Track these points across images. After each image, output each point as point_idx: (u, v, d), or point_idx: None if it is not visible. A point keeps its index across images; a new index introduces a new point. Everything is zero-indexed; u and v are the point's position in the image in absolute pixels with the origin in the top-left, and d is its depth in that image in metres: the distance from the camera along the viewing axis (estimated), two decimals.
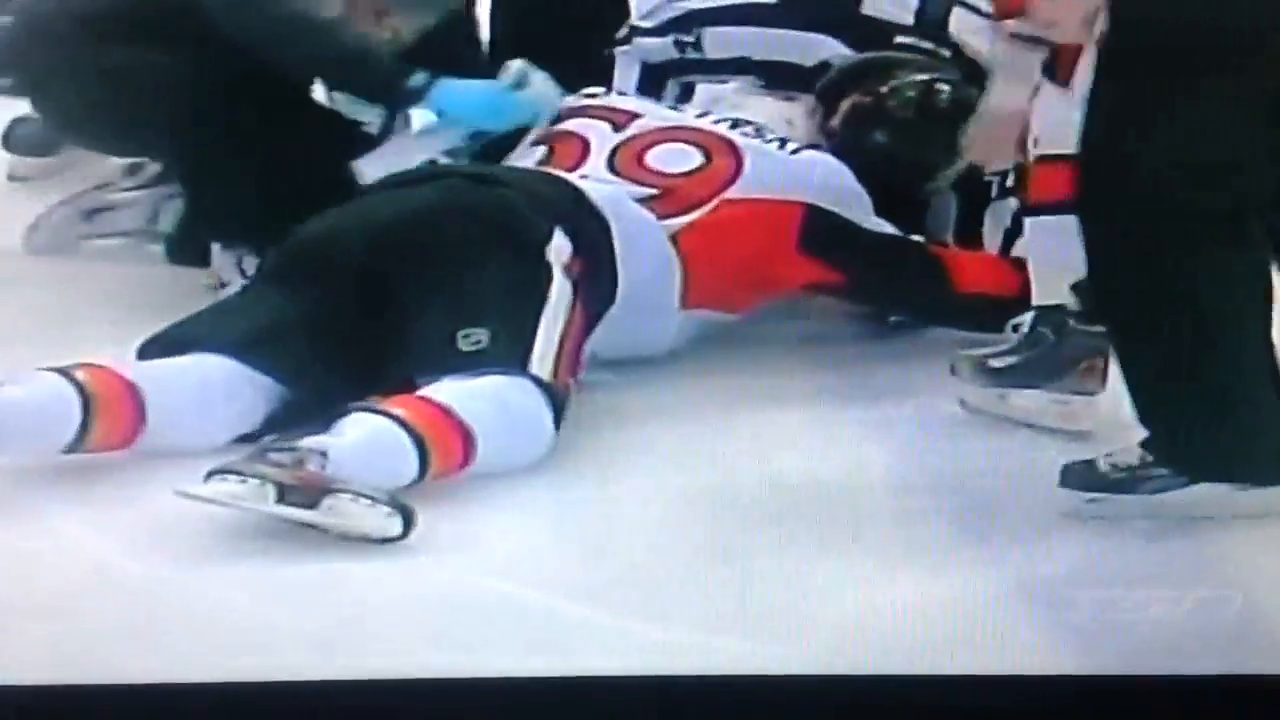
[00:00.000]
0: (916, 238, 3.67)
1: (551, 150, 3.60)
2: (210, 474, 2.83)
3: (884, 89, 3.70)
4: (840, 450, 3.22)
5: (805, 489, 3.07)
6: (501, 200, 3.34)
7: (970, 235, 3.75)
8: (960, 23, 3.76)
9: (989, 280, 3.58)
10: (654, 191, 3.47)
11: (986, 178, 3.73)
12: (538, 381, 3.09)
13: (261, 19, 3.59)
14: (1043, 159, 3.27)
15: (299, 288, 3.22)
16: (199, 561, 2.81)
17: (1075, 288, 3.26)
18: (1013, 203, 3.68)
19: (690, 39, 3.86)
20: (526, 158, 3.59)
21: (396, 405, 2.99)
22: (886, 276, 3.58)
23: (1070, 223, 3.23)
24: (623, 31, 4.04)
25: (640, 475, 3.12)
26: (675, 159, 3.53)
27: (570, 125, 3.65)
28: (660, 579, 2.80)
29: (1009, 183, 3.70)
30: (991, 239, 3.71)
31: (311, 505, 2.79)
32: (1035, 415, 3.30)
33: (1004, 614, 2.70)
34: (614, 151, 3.55)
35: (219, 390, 3.09)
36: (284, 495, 2.80)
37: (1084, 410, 3.28)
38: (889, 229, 3.59)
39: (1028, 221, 3.34)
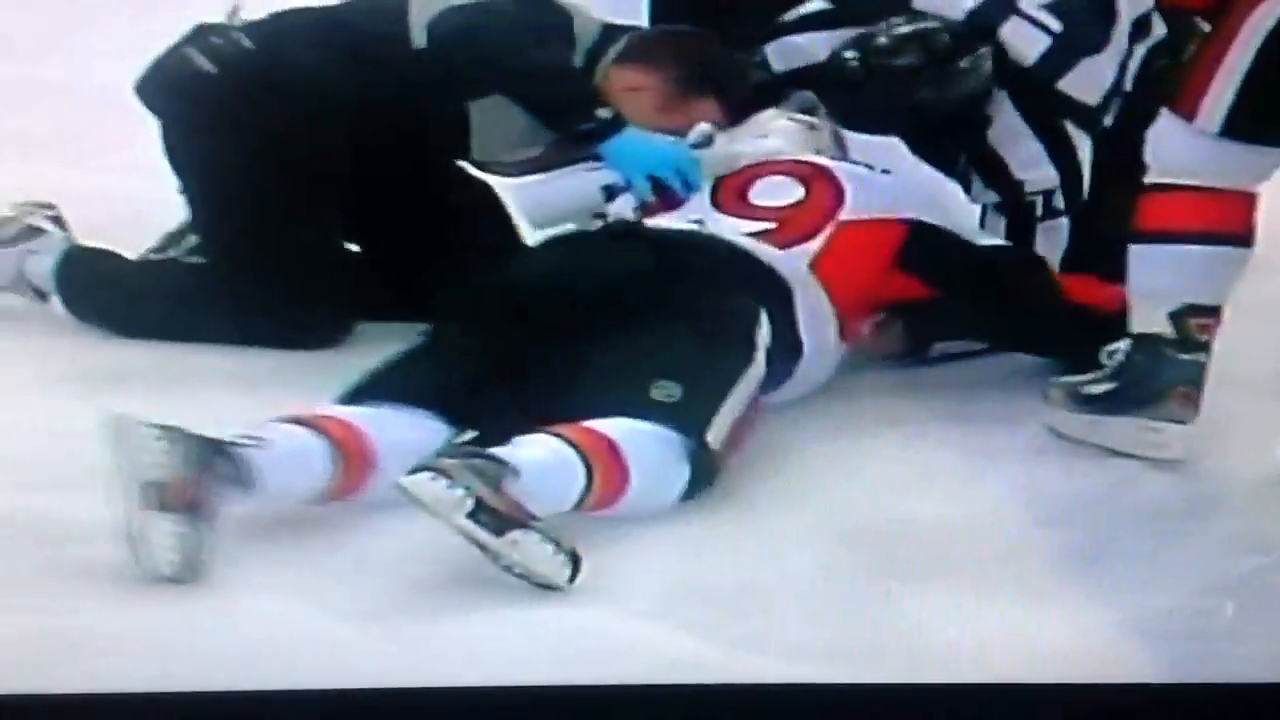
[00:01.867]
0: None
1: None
2: (419, 469, 2.75)
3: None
4: (952, 482, 3.18)
5: (917, 521, 3.04)
6: (718, 279, 3.26)
7: None
8: (1014, 31, 3.72)
9: (1092, 293, 3.52)
10: (770, 226, 3.38)
11: (1029, 198, 3.73)
12: (698, 453, 3.00)
13: (456, 29, 3.43)
14: (1159, 187, 3.25)
15: (497, 332, 3.16)
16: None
17: (1174, 316, 3.25)
18: (1064, 222, 3.71)
19: (755, 60, 3.78)
20: (629, 198, 3.50)
21: (575, 434, 2.91)
22: (995, 284, 3.51)
23: (1177, 252, 3.28)
24: None
25: (756, 511, 3.05)
26: (778, 192, 3.45)
27: None
28: (780, 611, 2.79)
29: (1054, 203, 3.73)
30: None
31: (499, 533, 2.73)
32: (1126, 443, 3.28)
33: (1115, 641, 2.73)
34: (715, 189, 3.47)
35: (423, 447, 2.94)
36: (476, 513, 2.72)
37: (1176, 439, 3.27)
38: (997, 241, 3.59)
39: (1132, 249, 3.29)
